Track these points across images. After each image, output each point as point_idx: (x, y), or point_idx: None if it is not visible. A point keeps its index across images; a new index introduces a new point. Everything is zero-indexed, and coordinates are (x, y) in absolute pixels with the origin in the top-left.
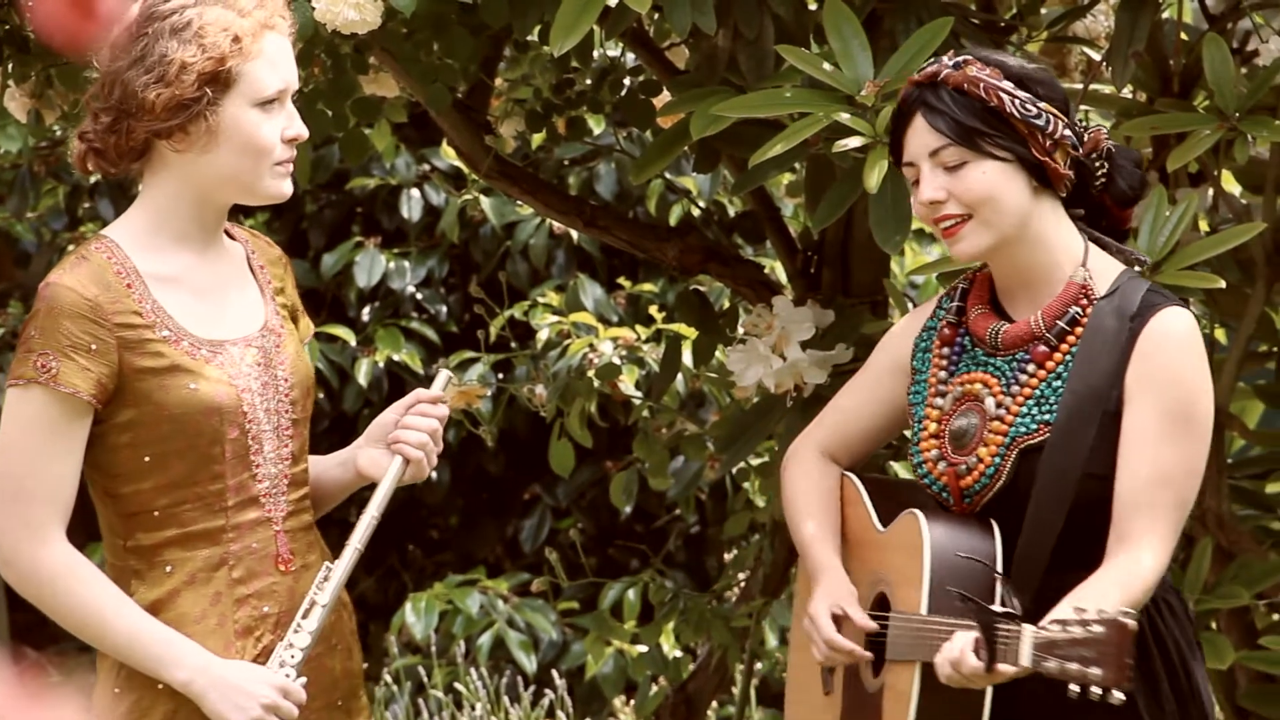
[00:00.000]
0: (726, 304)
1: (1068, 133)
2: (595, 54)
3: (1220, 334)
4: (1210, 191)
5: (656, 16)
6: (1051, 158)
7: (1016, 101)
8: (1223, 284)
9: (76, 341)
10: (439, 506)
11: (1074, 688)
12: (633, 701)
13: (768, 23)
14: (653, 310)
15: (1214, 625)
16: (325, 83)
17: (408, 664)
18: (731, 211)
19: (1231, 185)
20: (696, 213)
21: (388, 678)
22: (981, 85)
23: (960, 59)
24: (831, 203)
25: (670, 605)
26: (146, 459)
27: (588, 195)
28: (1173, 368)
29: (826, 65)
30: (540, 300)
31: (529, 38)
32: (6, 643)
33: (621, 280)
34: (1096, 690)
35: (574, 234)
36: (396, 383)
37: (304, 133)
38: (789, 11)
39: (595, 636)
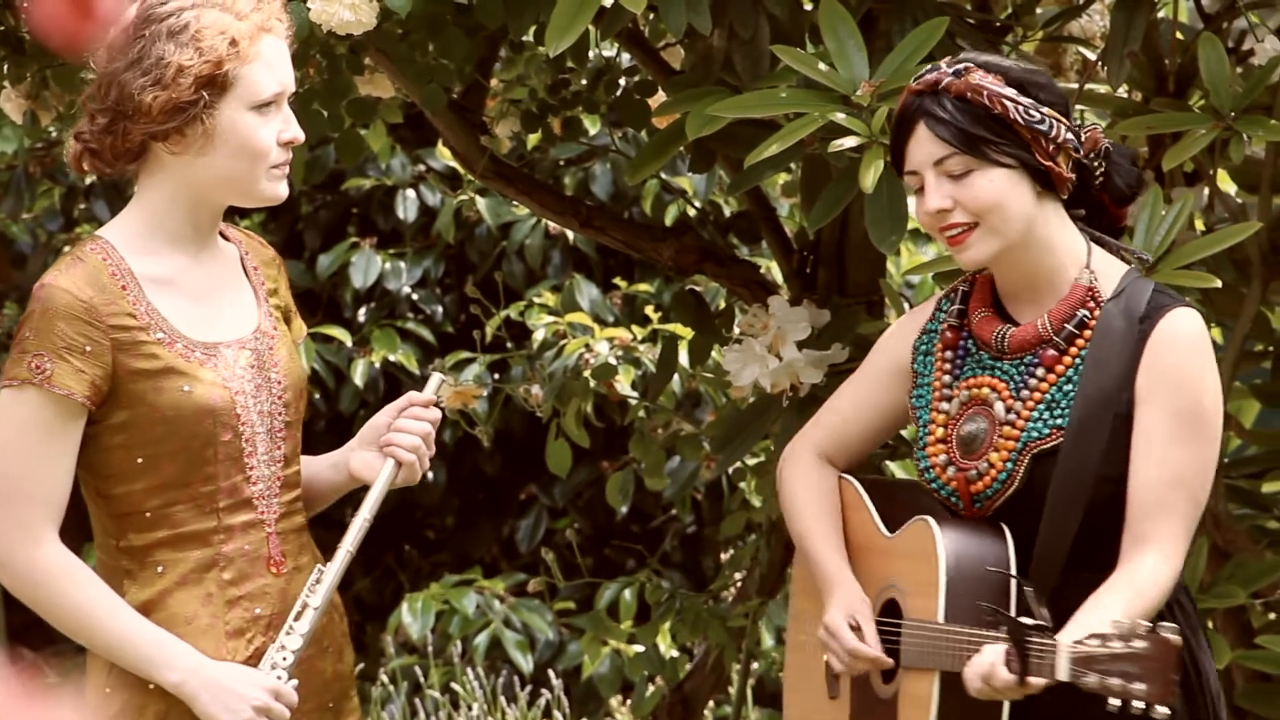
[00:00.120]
0: (722, 304)
1: (1069, 135)
2: (590, 54)
3: (1216, 333)
4: (1206, 191)
5: (652, 17)
6: (1055, 161)
7: (1020, 108)
8: (1218, 283)
9: (71, 343)
10: (435, 507)
11: (1114, 702)
12: (629, 701)
13: (763, 23)
14: (649, 310)
15: (1210, 625)
16: (320, 83)
17: (404, 664)
18: (727, 211)
19: (1227, 185)
20: (692, 213)
21: (384, 678)
22: (985, 93)
23: (961, 66)
24: (827, 203)
25: (667, 605)
26: (139, 460)
27: (583, 195)
28: (1183, 369)
29: (822, 65)
30: (536, 300)
31: (524, 38)
32: (3, 643)
33: (617, 280)
34: (1139, 705)
35: (570, 234)
36: (392, 383)
37: (300, 136)
38: (784, 11)
39: (592, 636)
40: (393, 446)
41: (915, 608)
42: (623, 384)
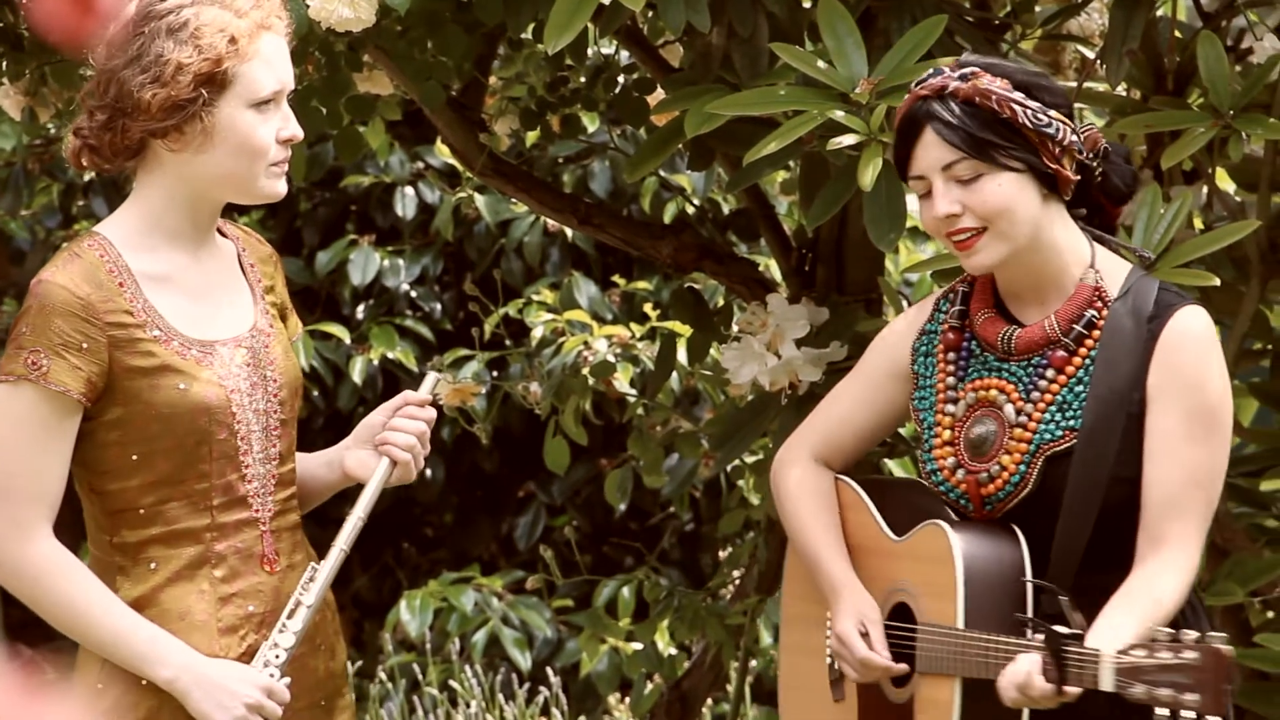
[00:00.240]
0: (721, 302)
1: (1074, 138)
2: (589, 52)
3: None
4: (1205, 189)
5: (651, 14)
6: (1060, 164)
7: (1028, 112)
8: (1217, 282)
9: (68, 340)
10: (434, 504)
11: (1162, 712)
12: (627, 699)
13: (762, 20)
14: (647, 308)
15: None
16: (319, 80)
17: (402, 661)
18: (726, 209)
19: (1226, 183)
20: (691, 210)
21: (382, 675)
22: (994, 98)
23: (967, 70)
24: (826, 200)
25: (665, 603)
26: (134, 457)
27: (582, 193)
28: (1194, 368)
29: (821, 63)
30: (535, 298)
31: (523, 35)
32: (2, 640)
33: (616, 278)
34: (1190, 715)
35: (568, 232)
36: (391, 380)
37: (299, 134)
38: (783, 9)
39: (590, 634)
40: (388, 445)
41: (930, 611)
42: (621, 381)
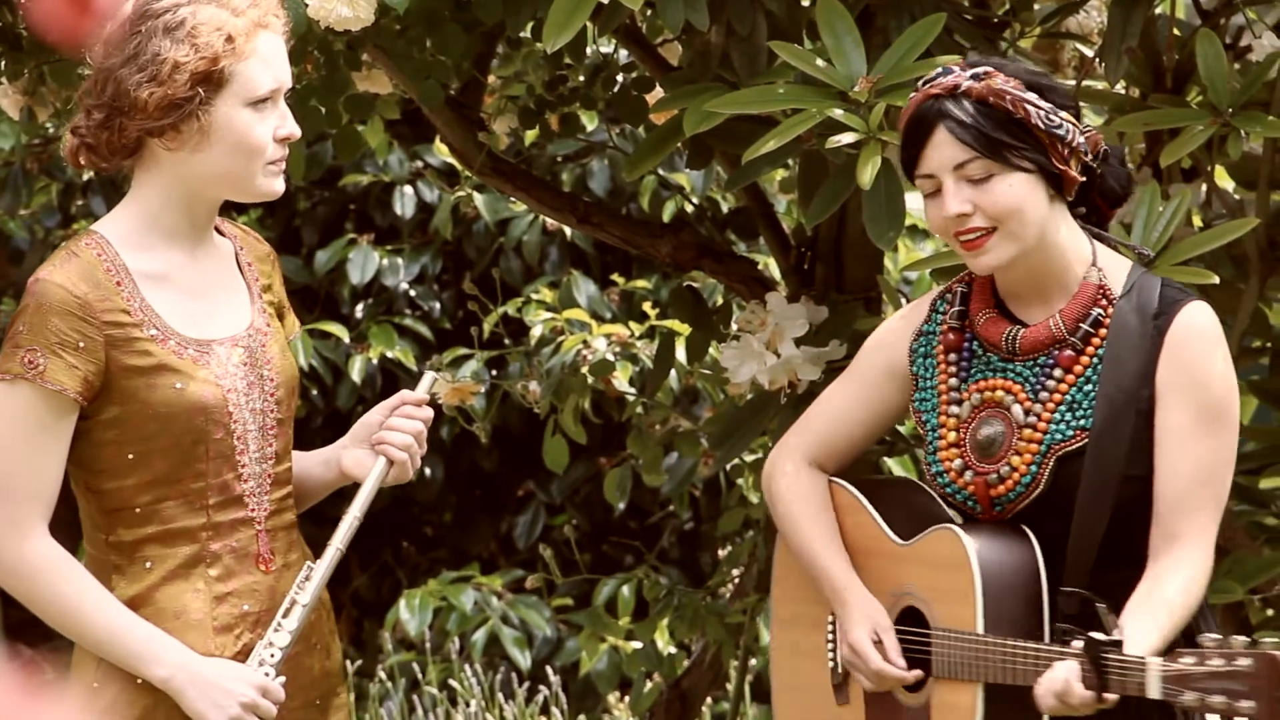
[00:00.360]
0: (720, 300)
1: (1081, 140)
2: (588, 50)
3: None
4: (1203, 187)
5: (649, 13)
6: (1068, 165)
7: (1041, 113)
8: (1216, 279)
9: (64, 339)
10: (433, 503)
11: (1213, 717)
12: (627, 698)
13: (760, 19)
14: (646, 307)
15: None
16: (318, 79)
17: (402, 660)
18: (725, 208)
19: (1225, 181)
20: (690, 209)
21: (382, 674)
22: (1008, 98)
23: (980, 70)
24: (825, 199)
25: (665, 602)
26: (130, 456)
27: (581, 192)
28: (1202, 364)
29: (819, 61)
30: (534, 297)
31: (522, 34)
32: (1, 640)
33: (615, 277)
34: None
35: (567, 231)
36: (390, 379)
37: (296, 132)
38: (782, 8)
39: (589, 633)
40: (384, 445)
41: (945, 616)
42: (620, 380)
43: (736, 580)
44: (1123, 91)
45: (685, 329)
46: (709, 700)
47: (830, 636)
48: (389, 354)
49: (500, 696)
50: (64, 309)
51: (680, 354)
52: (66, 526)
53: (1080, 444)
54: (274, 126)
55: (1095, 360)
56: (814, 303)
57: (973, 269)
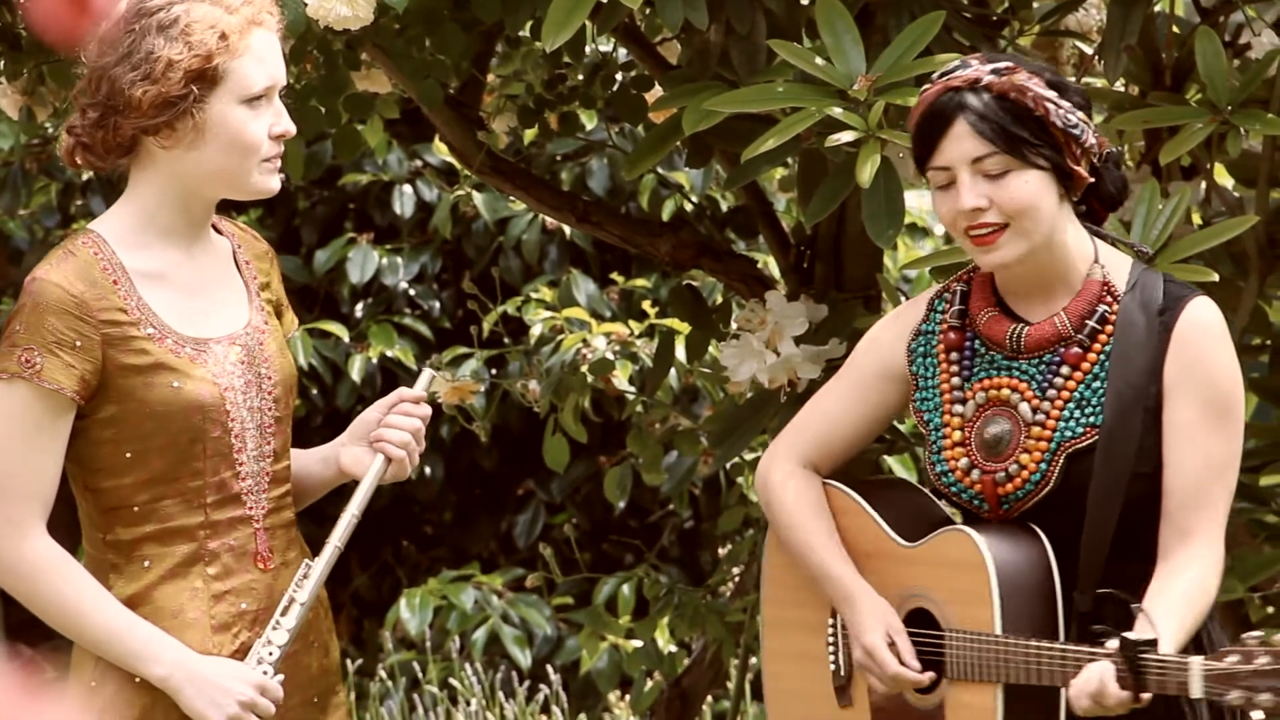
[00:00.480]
0: (719, 299)
1: (1093, 140)
2: (587, 49)
3: None
4: (1203, 185)
5: (648, 12)
6: (1079, 165)
7: (1060, 111)
8: (1216, 277)
9: (61, 338)
10: (433, 502)
11: (1258, 715)
12: (628, 697)
13: (759, 17)
14: (646, 305)
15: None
16: (317, 79)
17: (402, 659)
18: (724, 206)
19: (1224, 178)
20: (689, 208)
21: (382, 673)
22: (1030, 94)
23: (1002, 65)
24: (824, 197)
25: (665, 600)
26: (128, 455)
27: (580, 191)
28: (1210, 359)
29: (819, 60)
30: (533, 296)
31: (521, 33)
32: (1, 640)
33: (614, 276)
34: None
35: (566, 229)
36: (390, 379)
37: (291, 129)
38: (781, 6)
39: (590, 632)
40: (382, 442)
41: (959, 618)
42: (620, 379)
43: (736, 579)
44: (1122, 89)
45: (685, 327)
46: (709, 699)
47: (831, 639)
48: (388, 353)
49: (501, 695)
50: (60, 308)
51: (680, 353)
52: (66, 527)
53: (1090, 441)
54: (269, 123)
55: (1102, 357)
56: (813, 301)
57: (981, 265)
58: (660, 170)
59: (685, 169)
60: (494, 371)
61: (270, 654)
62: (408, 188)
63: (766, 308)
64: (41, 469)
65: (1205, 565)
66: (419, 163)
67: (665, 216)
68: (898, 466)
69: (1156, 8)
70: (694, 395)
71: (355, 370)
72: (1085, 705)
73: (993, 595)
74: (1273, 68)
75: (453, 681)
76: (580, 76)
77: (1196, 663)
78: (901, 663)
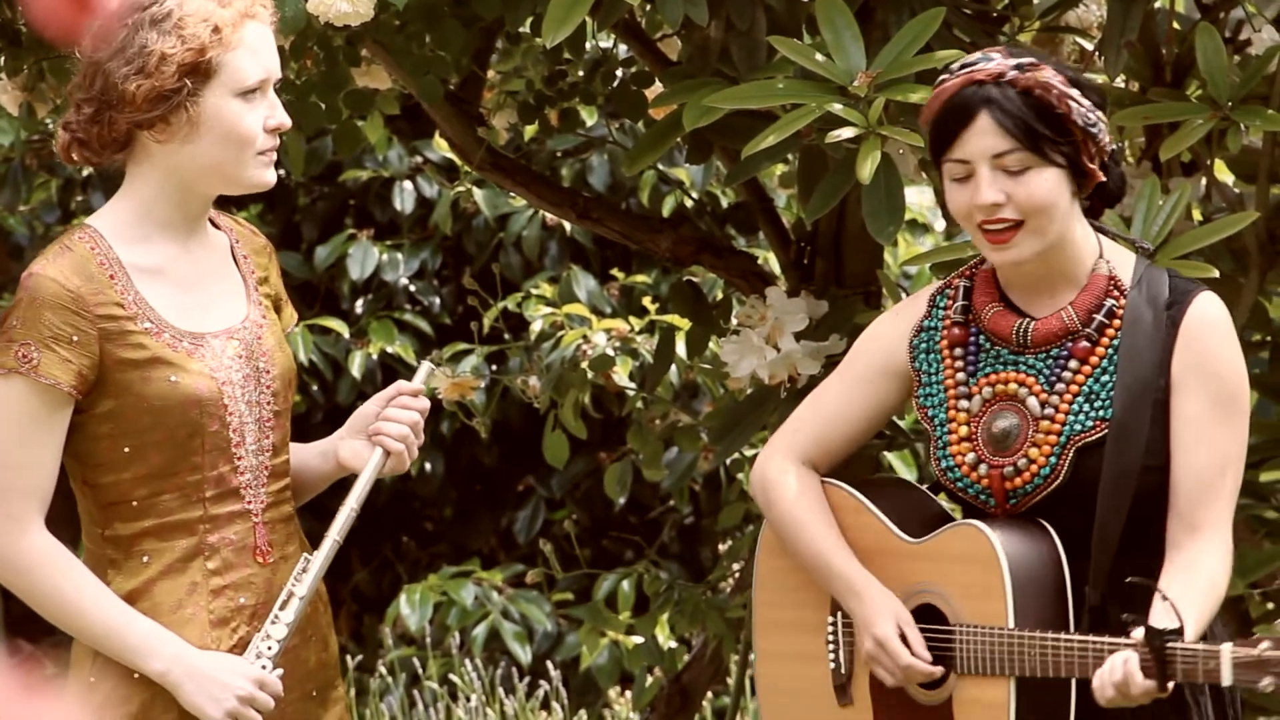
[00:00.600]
0: (720, 295)
1: (1107, 139)
2: (587, 46)
3: None
4: (1203, 181)
5: (648, 8)
6: (1094, 164)
7: (1082, 110)
8: (1216, 273)
9: (58, 333)
10: (433, 498)
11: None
12: (628, 693)
13: (760, 14)
14: (646, 301)
15: None
16: (317, 75)
17: (402, 655)
18: (724, 203)
19: (1224, 174)
20: (689, 204)
21: (382, 669)
22: (1054, 91)
23: (1026, 60)
24: (824, 194)
25: (665, 596)
26: (126, 450)
27: (580, 187)
28: (1217, 354)
29: (819, 56)
30: (533, 292)
31: (521, 30)
32: (2, 636)
33: (615, 272)
34: None
35: (567, 226)
36: (390, 375)
37: (286, 121)
38: (781, 2)
39: (590, 628)
40: (381, 435)
41: (969, 612)
42: (620, 375)
43: (737, 575)
44: (1122, 85)
45: (685, 324)
46: (710, 695)
47: (830, 638)
48: (389, 349)
49: (501, 691)
50: (57, 303)
51: (680, 349)
52: (65, 522)
53: (1100, 435)
54: (264, 116)
55: (1110, 351)
56: (814, 297)
57: (993, 261)
58: (660, 166)
59: (685, 165)
60: (494, 367)
61: (269, 648)
62: (408, 184)
63: (767, 304)
64: (40, 464)
65: (1217, 559)
66: (419, 159)
67: (665, 212)
68: (898, 463)
69: (1157, 4)
70: (694, 391)
71: (355, 366)
72: (1110, 695)
73: (1006, 589)
74: (1273, 64)
75: (453, 677)
76: (580, 73)
77: (1227, 649)
78: (913, 654)
